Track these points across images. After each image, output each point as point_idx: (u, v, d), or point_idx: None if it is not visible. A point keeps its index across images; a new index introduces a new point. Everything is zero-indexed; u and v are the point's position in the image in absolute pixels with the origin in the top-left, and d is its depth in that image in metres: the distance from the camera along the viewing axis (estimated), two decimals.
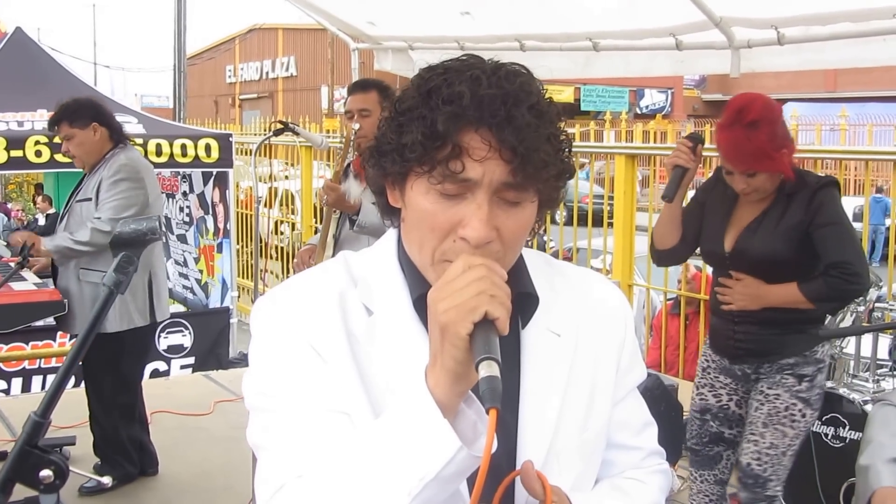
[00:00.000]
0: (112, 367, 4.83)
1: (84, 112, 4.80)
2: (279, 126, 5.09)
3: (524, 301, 1.41)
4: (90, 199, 4.75)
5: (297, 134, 5.03)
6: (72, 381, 5.19)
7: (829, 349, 3.55)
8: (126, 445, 4.96)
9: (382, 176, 1.35)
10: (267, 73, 42.39)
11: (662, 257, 3.72)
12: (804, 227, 3.29)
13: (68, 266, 4.88)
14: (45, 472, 1.72)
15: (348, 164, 4.28)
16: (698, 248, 3.63)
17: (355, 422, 1.30)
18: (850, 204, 13.12)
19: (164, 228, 9.15)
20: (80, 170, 4.98)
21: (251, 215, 9.75)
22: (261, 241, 10.09)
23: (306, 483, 1.25)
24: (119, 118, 7.19)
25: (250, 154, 6.33)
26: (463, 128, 1.24)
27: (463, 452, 1.16)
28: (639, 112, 35.33)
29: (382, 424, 1.22)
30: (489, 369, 1.13)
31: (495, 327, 1.17)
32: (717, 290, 3.49)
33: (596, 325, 1.49)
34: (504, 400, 1.12)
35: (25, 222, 14.95)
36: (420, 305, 1.33)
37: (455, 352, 1.17)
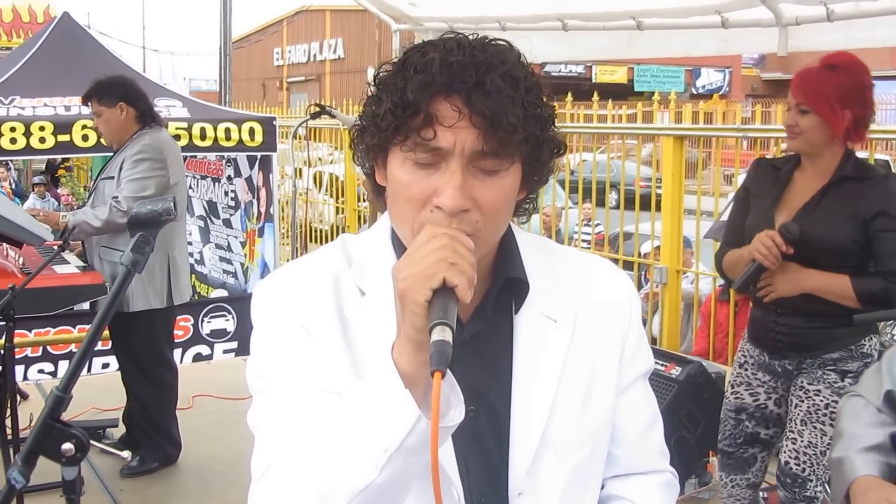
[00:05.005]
0: (127, 348, 4.92)
1: (113, 91, 4.85)
2: (316, 109, 5.11)
3: (516, 286, 1.40)
4: (113, 178, 4.80)
5: (333, 117, 5.03)
6: (115, 364, 5.28)
7: (878, 341, 3.31)
8: (165, 427, 5.01)
9: (367, 153, 1.36)
10: (315, 55, 42.53)
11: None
12: (865, 217, 3.09)
13: (91, 244, 4.96)
14: (67, 446, 1.76)
15: None
16: None
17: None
18: None
19: (177, 210, 9.21)
20: None
21: (300, 199, 9.79)
22: (304, 226, 10.12)
23: (288, 462, 1.26)
24: (164, 102, 7.25)
25: (296, 138, 6.34)
26: (434, 95, 1.24)
27: (423, 422, 1.16)
28: (695, 92, 34.74)
29: (351, 398, 1.23)
30: (441, 334, 1.13)
31: (455, 295, 1.16)
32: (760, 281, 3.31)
33: (598, 312, 1.46)
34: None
35: (75, 207, 15.16)
36: None
37: (414, 319, 1.17)
